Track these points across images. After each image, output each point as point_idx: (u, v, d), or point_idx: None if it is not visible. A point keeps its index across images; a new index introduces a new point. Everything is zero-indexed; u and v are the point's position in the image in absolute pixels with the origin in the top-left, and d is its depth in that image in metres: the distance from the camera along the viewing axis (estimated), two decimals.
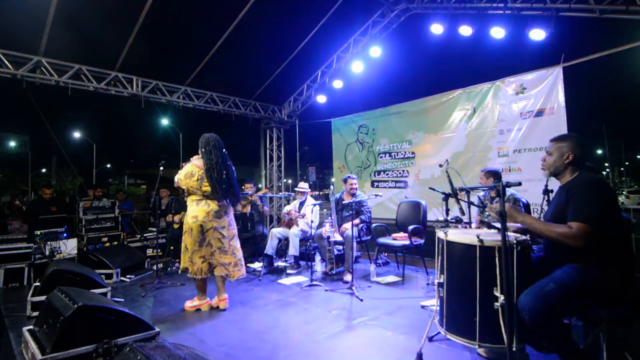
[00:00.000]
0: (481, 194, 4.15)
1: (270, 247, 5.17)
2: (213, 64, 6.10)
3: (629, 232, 2.45)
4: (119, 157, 37.04)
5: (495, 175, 3.84)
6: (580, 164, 2.11)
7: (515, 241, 2.08)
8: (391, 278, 4.53)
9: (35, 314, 2.98)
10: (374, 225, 5.09)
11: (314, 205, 5.15)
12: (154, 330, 2.46)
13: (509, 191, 3.82)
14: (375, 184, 7.07)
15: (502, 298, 1.99)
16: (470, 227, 3.23)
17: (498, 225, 2.18)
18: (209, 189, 3.46)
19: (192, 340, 2.85)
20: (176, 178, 3.54)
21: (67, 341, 2.14)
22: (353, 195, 4.92)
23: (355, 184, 5.00)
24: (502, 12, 5.02)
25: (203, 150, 3.52)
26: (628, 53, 4.37)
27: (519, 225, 2.21)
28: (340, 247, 4.79)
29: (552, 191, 3.22)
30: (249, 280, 4.66)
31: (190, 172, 3.47)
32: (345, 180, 5.08)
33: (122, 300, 3.84)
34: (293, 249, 5.02)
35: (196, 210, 3.46)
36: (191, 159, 3.63)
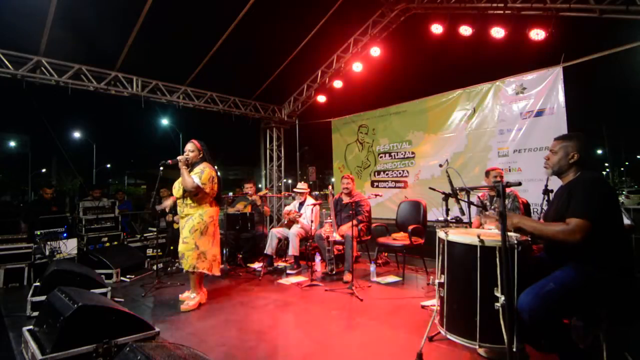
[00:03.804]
0: (481, 193, 4.16)
1: (270, 247, 5.17)
2: (213, 64, 6.10)
3: (629, 233, 2.45)
4: (119, 157, 37.10)
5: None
6: (584, 164, 2.11)
7: (516, 241, 2.08)
8: (391, 278, 4.53)
9: (35, 314, 2.98)
10: (374, 225, 5.09)
11: (314, 205, 5.15)
12: (154, 330, 2.45)
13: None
14: (375, 184, 7.07)
15: (502, 298, 1.99)
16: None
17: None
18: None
19: (192, 340, 2.84)
20: (198, 183, 3.51)
21: (67, 341, 2.14)
22: (349, 195, 4.94)
23: (347, 183, 5.01)
24: (502, 12, 5.02)
25: (208, 155, 3.77)
26: (628, 53, 4.37)
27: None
28: (340, 247, 4.79)
29: (552, 191, 3.22)
30: (249, 280, 4.66)
31: (212, 176, 3.66)
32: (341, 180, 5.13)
33: (122, 300, 3.83)
34: (293, 249, 5.02)
35: (213, 211, 3.72)
36: (202, 165, 3.65)
